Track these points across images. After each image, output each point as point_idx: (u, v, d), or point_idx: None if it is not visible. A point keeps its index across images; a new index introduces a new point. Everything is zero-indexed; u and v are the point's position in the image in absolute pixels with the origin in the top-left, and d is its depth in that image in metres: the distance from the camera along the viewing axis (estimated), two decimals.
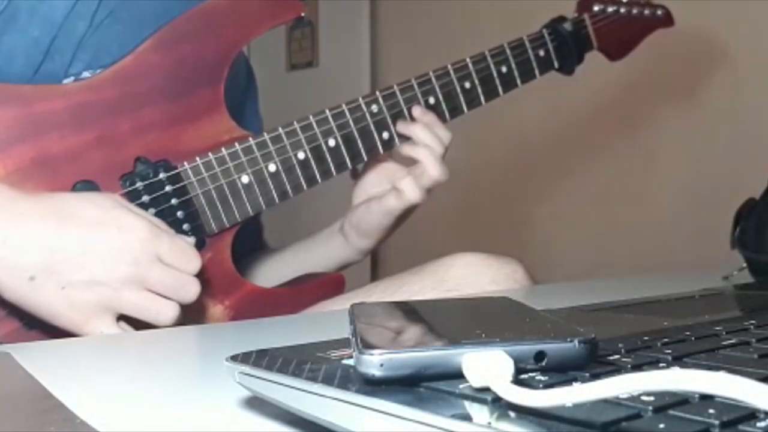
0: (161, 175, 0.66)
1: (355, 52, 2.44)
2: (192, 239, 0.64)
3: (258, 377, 0.27)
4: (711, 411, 0.20)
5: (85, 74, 0.65)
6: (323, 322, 0.63)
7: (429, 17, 2.21)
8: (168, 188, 0.66)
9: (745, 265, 0.70)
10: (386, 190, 0.78)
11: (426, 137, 0.76)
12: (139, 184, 0.66)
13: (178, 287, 0.59)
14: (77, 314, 0.56)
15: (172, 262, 0.59)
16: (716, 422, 0.19)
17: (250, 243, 0.85)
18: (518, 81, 0.83)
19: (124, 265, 0.57)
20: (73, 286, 0.56)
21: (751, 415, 0.20)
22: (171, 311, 0.59)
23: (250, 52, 1.03)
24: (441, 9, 2.16)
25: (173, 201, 0.67)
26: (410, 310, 0.35)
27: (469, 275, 0.70)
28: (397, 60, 2.35)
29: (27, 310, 0.57)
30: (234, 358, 0.29)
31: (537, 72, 0.84)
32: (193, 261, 0.60)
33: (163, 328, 0.59)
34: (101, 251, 0.56)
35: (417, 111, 0.77)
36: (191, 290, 0.60)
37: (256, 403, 0.30)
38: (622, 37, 0.91)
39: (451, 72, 0.79)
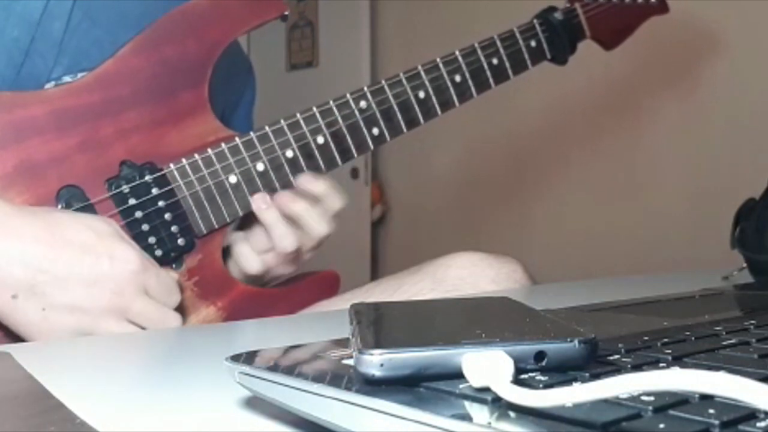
0: (147, 178, 0.65)
1: (355, 52, 2.44)
2: (176, 275, 0.64)
3: (258, 377, 0.27)
4: (711, 411, 0.20)
5: (66, 79, 0.64)
6: (323, 322, 0.63)
7: (429, 17, 2.22)
8: (154, 191, 0.66)
9: (745, 265, 0.70)
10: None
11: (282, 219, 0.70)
12: (124, 188, 0.65)
13: (158, 321, 0.59)
14: (52, 337, 0.55)
15: (156, 296, 0.59)
16: (716, 422, 0.19)
17: None
18: (510, 72, 0.82)
19: (108, 293, 0.56)
20: (54, 309, 0.55)
21: (751, 415, 0.20)
22: None
23: (250, 53, 1.03)
24: (441, 9, 2.16)
25: (160, 203, 0.66)
26: (410, 310, 0.35)
27: (468, 275, 0.70)
28: (397, 60, 2.35)
29: (3, 324, 0.56)
30: (234, 358, 0.29)
31: (529, 63, 0.83)
32: (174, 296, 0.61)
33: (163, 329, 0.59)
34: (88, 278, 0.56)
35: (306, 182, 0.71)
36: (171, 324, 0.60)
37: (256, 403, 0.30)
38: (616, 25, 0.90)
39: (441, 65, 0.78)
